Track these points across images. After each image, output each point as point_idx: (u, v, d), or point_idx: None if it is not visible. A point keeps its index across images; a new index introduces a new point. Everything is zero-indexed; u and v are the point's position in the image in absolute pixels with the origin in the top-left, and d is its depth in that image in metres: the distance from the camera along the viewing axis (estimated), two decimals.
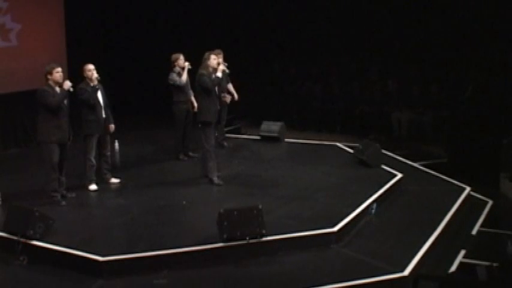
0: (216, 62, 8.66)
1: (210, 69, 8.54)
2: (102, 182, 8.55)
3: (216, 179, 8.55)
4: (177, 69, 9.68)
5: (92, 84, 8.32)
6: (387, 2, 12.77)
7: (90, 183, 8.40)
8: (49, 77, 7.72)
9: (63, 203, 7.85)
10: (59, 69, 7.80)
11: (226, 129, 11.09)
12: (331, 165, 9.60)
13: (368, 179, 8.78)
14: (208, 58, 8.61)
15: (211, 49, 10.30)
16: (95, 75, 8.34)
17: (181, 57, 9.74)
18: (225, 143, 10.71)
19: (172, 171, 9.21)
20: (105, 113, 8.45)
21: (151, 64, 13.14)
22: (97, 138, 8.40)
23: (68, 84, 7.73)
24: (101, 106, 8.38)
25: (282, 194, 8.19)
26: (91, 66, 8.38)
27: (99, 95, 8.38)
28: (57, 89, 7.74)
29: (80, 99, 8.26)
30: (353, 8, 13.14)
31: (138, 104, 13.47)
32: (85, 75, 8.36)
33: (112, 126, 8.61)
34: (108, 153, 8.65)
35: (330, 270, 6.35)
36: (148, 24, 13.94)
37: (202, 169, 8.77)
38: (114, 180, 8.71)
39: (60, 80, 7.77)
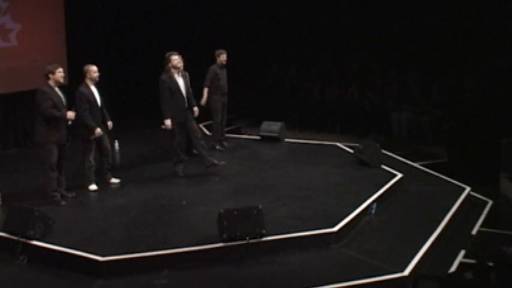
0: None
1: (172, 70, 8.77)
2: (102, 182, 8.54)
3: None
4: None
5: (91, 87, 8.25)
6: (387, 2, 12.78)
7: (90, 183, 8.39)
8: (51, 76, 7.67)
9: (63, 203, 7.84)
10: (61, 69, 7.77)
11: (226, 129, 11.08)
12: (331, 165, 9.60)
13: (368, 179, 8.78)
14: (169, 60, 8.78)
15: (211, 49, 10.37)
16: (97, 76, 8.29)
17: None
18: (225, 143, 10.71)
19: (172, 171, 9.20)
20: (102, 113, 8.37)
21: (152, 64, 13.12)
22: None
23: (71, 116, 7.67)
24: (99, 109, 8.31)
25: (282, 194, 8.19)
26: (96, 68, 8.28)
27: (97, 97, 8.30)
28: (57, 89, 7.73)
29: (81, 108, 8.16)
30: (353, 8, 13.14)
31: (138, 104, 13.47)
32: (88, 76, 8.25)
33: (110, 124, 8.48)
34: (108, 153, 8.62)
35: (330, 270, 6.35)
36: (148, 24, 13.94)
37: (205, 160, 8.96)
38: (114, 180, 8.69)
39: (62, 81, 7.76)
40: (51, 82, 7.69)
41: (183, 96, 8.80)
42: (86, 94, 8.19)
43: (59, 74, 7.70)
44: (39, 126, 7.71)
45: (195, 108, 9.09)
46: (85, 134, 8.24)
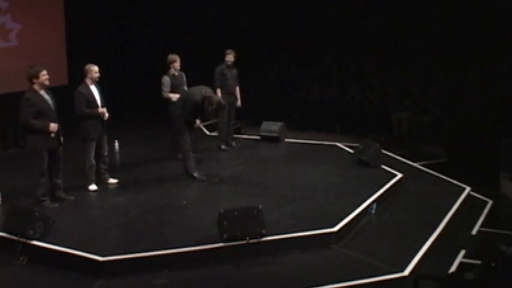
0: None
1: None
2: (99, 182, 8.51)
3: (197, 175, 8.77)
4: (172, 71, 9.64)
5: (91, 87, 8.21)
6: (387, 2, 12.78)
7: (90, 183, 8.38)
8: (35, 80, 7.40)
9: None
10: (45, 72, 7.47)
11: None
12: (331, 165, 9.61)
13: (368, 179, 8.78)
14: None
15: (211, 49, 10.37)
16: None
17: (178, 59, 9.69)
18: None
19: (172, 171, 9.20)
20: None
21: (151, 64, 13.13)
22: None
23: (54, 127, 7.44)
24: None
25: (282, 194, 8.19)
26: (97, 68, 8.21)
27: (97, 96, 8.26)
28: (43, 92, 7.48)
29: (79, 110, 8.14)
30: (353, 8, 13.15)
31: (138, 104, 13.46)
32: (89, 76, 8.19)
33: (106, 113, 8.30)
34: (106, 153, 8.54)
35: (330, 270, 6.35)
36: (148, 24, 13.94)
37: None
38: (112, 180, 8.66)
39: (47, 83, 7.49)
40: (35, 86, 7.42)
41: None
42: (84, 94, 8.16)
43: (44, 77, 7.43)
44: (29, 133, 7.50)
45: None
46: (85, 133, 8.25)
